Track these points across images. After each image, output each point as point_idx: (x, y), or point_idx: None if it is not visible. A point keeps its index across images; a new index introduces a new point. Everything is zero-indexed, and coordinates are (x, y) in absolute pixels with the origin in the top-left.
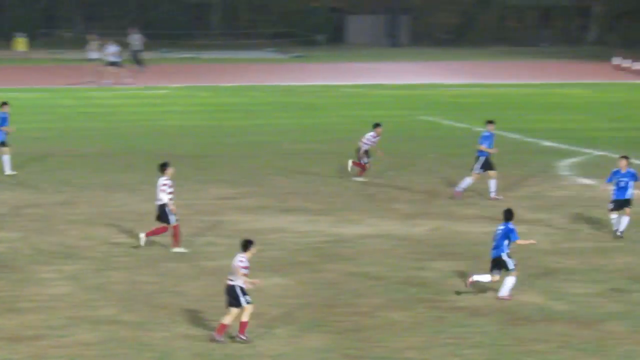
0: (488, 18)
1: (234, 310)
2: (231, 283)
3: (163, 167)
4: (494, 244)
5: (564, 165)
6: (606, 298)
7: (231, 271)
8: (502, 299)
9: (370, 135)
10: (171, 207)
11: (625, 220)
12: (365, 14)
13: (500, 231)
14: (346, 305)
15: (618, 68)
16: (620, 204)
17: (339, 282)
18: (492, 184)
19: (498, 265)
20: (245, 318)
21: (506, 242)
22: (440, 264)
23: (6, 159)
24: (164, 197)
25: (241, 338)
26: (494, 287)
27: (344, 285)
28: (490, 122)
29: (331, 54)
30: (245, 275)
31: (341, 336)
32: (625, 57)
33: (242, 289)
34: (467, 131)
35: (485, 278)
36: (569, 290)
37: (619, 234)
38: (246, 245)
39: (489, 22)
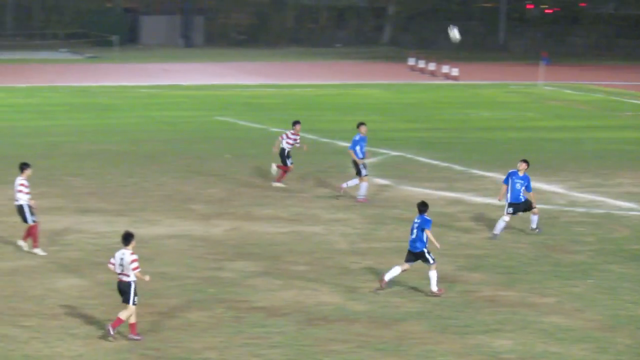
0: (283, 19)
1: (129, 308)
2: (127, 279)
3: (22, 168)
4: (412, 237)
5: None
6: (404, 298)
7: (122, 268)
8: (434, 294)
9: (289, 132)
10: (32, 204)
11: (535, 218)
12: (159, 14)
13: (418, 224)
14: (144, 306)
15: (413, 68)
16: (518, 208)
17: (137, 282)
18: (358, 186)
19: (415, 257)
20: (132, 319)
21: (425, 236)
22: (239, 264)
23: None
24: (22, 198)
25: (136, 338)
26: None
27: (142, 286)
28: (361, 123)
29: (126, 55)
30: (137, 268)
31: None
32: (419, 58)
33: (135, 287)
34: (263, 132)
35: (396, 271)
36: (367, 291)
37: (535, 229)
38: (127, 238)
39: (284, 23)
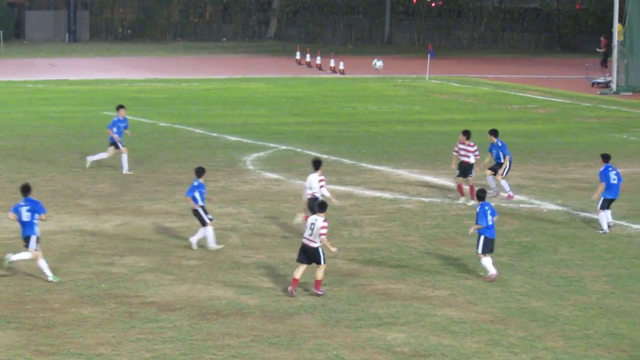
0: (168, 13)
1: (304, 266)
2: (314, 245)
3: (317, 164)
4: (490, 224)
5: (249, 159)
6: (296, 292)
7: (311, 232)
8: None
9: (464, 145)
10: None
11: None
12: (44, 9)
13: (491, 210)
14: (36, 302)
15: (299, 62)
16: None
17: (28, 278)
18: (505, 185)
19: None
20: (320, 276)
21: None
22: (130, 260)
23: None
24: (324, 192)
25: (318, 293)
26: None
27: (34, 282)
28: (493, 132)
29: (11, 50)
30: (324, 234)
31: (32, 332)
32: (306, 52)
33: (322, 250)
34: (152, 127)
35: (488, 262)
36: (260, 285)
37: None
38: (323, 205)
39: (170, 17)
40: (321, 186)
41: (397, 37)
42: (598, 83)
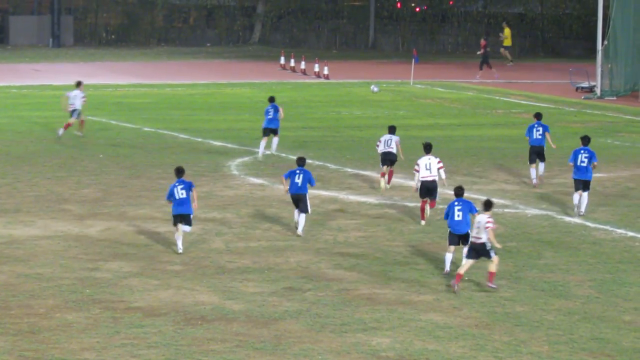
0: (152, 18)
1: (471, 262)
2: (480, 241)
3: (428, 147)
4: (456, 220)
5: (234, 164)
6: (281, 297)
7: (477, 230)
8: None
9: None
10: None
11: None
12: (27, 14)
13: (462, 206)
14: (21, 307)
15: (284, 67)
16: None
17: (12, 283)
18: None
19: (465, 239)
20: (493, 269)
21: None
22: (114, 265)
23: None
24: (442, 174)
25: (492, 287)
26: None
27: (18, 287)
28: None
29: None
30: (493, 229)
31: (17, 338)
32: (290, 57)
33: (490, 246)
34: (136, 132)
35: (449, 258)
36: (244, 290)
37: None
38: (488, 204)
39: (154, 22)
40: (439, 168)
41: (382, 42)
42: (582, 88)
